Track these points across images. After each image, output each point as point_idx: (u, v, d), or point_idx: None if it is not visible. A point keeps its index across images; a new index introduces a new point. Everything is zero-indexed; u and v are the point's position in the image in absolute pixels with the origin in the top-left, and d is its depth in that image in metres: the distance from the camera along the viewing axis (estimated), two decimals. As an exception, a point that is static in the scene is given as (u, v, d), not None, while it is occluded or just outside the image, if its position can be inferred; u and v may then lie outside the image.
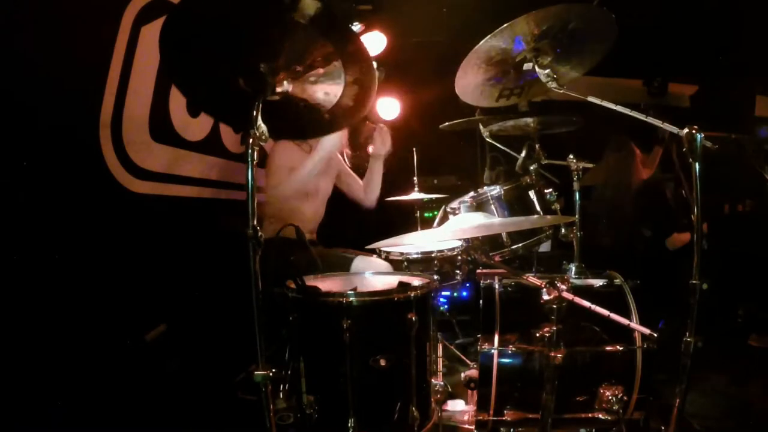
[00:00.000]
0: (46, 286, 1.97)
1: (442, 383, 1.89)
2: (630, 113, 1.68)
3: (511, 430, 1.95)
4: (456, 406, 2.45)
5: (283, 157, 2.83)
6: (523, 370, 1.88)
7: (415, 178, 3.28)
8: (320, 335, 1.71)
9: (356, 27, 3.60)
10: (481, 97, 2.09)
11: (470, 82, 1.99)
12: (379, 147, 3.09)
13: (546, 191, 2.65)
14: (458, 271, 2.68)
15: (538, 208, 2.70)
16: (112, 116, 2.35)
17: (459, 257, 2.64)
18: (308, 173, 2.74)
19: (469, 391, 2.28)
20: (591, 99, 1.76)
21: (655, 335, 1.50)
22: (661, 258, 3.75)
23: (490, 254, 2.58)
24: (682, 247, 3.68)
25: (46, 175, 2.02)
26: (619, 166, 3.98)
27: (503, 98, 2.11)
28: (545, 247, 3.19)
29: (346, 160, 3.25)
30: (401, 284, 1.77)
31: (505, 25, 1.74)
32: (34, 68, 1.96)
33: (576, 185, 2.46)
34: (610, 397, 1.80)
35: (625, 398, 1.81)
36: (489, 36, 1.77)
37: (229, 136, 3.38)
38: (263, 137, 1.40)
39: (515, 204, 2.69)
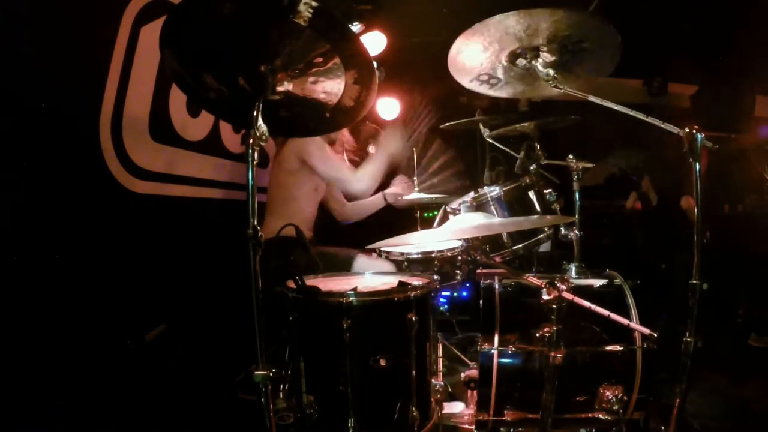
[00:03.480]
0: (45, 286, 1.97)
1: (442, 383, 1.88)
2: (630, 113, 1.68)
3: (511, 430, 1.95)
4: (456, 406, 2.44)
5: (331, 154, 2.94)
6: (523, 370, 1.88)
7: (415, 178, 3.27)
8: (320, 335, 1.71)
9: (356, 27, 3.60)
10: (461, 71, 1.94)
11: (463, 51, 1.85)
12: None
13: (546, 191, 2.65)
14: (458, 271, 2.67)
15: (538, 208, 2.70)
16: (112, 116, 2.35)
17: (459, 257, 2.63)
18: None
19: (469, 391, 2.28)
20: (591, 99, 1.76)
21: (655, 335, 1.50)
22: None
23: (491, 255, 2.58)
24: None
25: (45, 175, 2.02)
26: None
27: (475, 82, 1.99)
28: (545, 247, 3.18)
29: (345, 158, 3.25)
30: (401, 284, 1.77)
31: (532, 10, 1.64)
32: (35, 68, 1.96)
33: (576, 185, 2.46)
34: (610, 397, 1.80)
35: (625, 398, 1.81)
36: (511, 12, 1.66)
37: (229, 136, 3.38)
38: (263, 137, 1.41)
39: (515, 204, 2.69)
